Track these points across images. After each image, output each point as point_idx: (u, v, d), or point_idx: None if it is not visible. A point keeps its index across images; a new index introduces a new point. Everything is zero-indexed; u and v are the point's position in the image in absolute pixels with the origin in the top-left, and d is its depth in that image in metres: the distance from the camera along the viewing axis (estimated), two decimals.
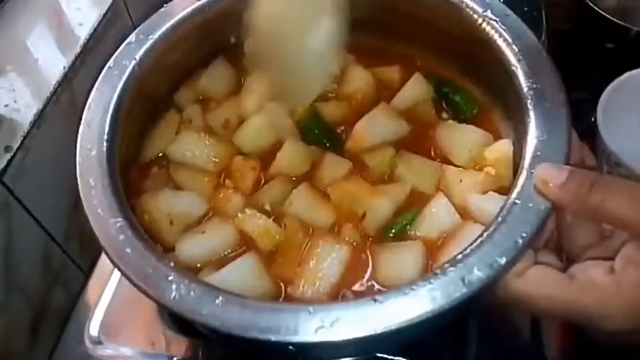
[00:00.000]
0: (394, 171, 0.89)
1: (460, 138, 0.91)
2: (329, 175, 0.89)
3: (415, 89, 0.97)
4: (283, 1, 0.80)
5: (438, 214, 0.83)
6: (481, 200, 0.82)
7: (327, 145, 0.93)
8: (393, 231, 0.84)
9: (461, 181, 0.85)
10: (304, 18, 0.79)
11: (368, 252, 0.83)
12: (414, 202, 0.86)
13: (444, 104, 0.99)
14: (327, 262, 0.81)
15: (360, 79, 1.00)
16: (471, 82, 0.99)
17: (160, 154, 0.94)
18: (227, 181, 0.90)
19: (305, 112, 0.94)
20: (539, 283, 0.67)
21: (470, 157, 0.88)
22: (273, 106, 0.93)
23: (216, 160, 0.91)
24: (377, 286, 0.80)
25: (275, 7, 0.79)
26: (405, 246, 0.82)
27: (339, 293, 0.79)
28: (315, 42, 0.78)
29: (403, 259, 0.80)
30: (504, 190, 0.77)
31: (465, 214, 0.83)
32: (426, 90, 0.98)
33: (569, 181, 0.67)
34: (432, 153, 0.92)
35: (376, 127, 0.93)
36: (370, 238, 0.84)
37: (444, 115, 0.98)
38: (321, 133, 0.94)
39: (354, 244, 0.83)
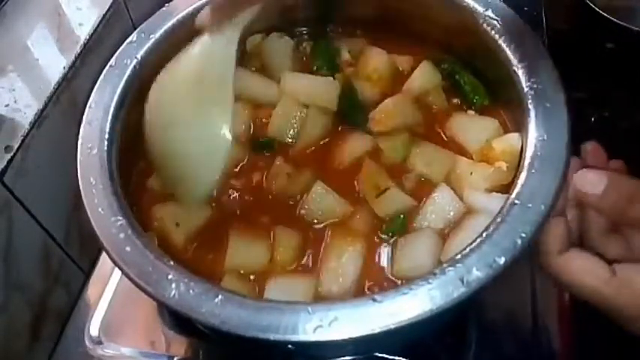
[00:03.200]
0: (408, 156, 0.90)
1: (476, 126, 0.92)
2: (351, 150, 0.92)
3: (424, 76, 0.98)
4: (175, 89, 0.79)
5: (441, 204, 0.84)
6: (483, 199, 0.82)
7: (355, 122, 0.95)
8: (393, 229, 0.85)
9: (471, 173, 0.86)
10: (197, 104, 0.77)
11: (382, 245, 0.84)
12: (423, 190, 0.87)
13: (455, 92, 1.00)
14: (346, 257, 0.82)
15: (376, 59, 1.01)
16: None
17: None
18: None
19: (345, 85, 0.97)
20: (580, 270, 0.67)
21: (484, 146, 0.89)
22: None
23: (230, 157, 0.91)
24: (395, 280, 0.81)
25: (167, 94, 0.79)
26: (417, 236, 0.82)
27: (364, 288, 0.80)
28: (207, 129, 0.77)
29: (417, 250, 0.81)
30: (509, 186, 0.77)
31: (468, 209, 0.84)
32: (435, 77, 0.99)
33: (608, 192, 0.67)
34: (445, 139, 0.94)
35: (397, 111, 0.94)
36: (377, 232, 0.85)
37: (455, 103, 0.99)
38: (355, 110, 0.96)
39: (367, 235, 0.84)
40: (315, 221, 0.86)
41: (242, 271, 0.82)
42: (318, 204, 0.86)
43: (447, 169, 0.88)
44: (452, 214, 0.83)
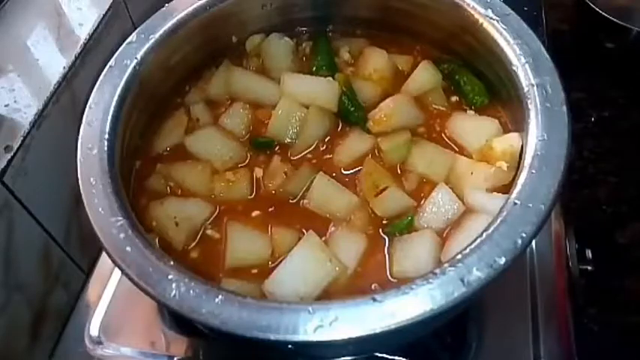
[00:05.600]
0: (408, 156, 0.90)
1: (477, 126, 0.92)
2: (351, 150, 0.93)
3: (424, 76, 0.98)
4: None
5: (441, 204, 0.84)
6: (484, 199, 0.82)
7: (355, 122, 0.96)
8: (398, 229, 0.85)
9: (472, 173, 0.86)
10: None
11: (383, 246, 0.84)
12: (424, 190, 0.87)
13: (455, 92, 1.00)
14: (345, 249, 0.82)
15: (376, 59, 1.01)
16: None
17: (165, 151, 0.95)
18: (228, 173, 0.91)
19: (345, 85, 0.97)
20: None
21: (484, 146, 0.89)
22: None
23: (230, 157, 0.93)
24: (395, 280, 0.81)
25: None
26: (417, 237, 0.82)
27: (363, 286, 0.80)
28: None
29: (417, 250, 0.81)
30: (509, 186, 0.77)
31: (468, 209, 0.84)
32: (435, 77, 0.99)
33: None
34: (445, 139, 0.94)
35: (398, 111, 0.94)
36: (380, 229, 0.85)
37: (455, 103, 0.99)
38: (355, 110, 0.96)
39: (368, 233, 0.85)
40: (319, 212, 0.87)
41: (242, 266, 0.82)
42: (322, 194, 0.87)
43: (447, 169, 0.88)
44: (451, 214, 0.83)
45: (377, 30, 1.06)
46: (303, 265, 0.78)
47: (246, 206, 0.89)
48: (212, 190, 0.90)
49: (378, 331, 0.63)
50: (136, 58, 0.89)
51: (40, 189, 0.93)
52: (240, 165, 0.93)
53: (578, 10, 1.28)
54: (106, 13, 1.08)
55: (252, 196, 0.90)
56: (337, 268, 0.78)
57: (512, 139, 0.85)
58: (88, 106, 0.84)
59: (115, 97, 0.85)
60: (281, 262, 0.80)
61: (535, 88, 0.80)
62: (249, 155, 0.94)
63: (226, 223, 0.87)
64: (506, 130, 0.90)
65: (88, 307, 1.01)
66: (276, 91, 0.97)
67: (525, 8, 1.10)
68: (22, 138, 0.89)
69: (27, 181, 0.90)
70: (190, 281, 0.67)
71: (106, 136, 0.81)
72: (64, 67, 0.98)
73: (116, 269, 0.72)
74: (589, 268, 0.96)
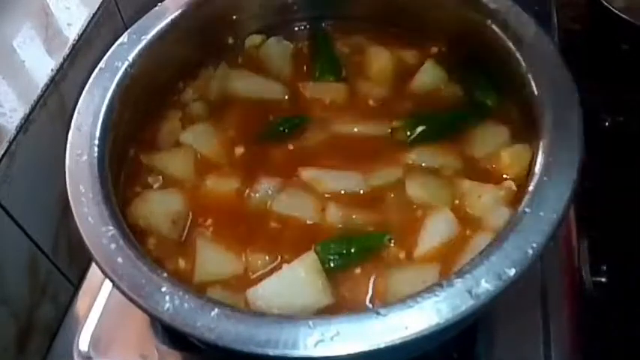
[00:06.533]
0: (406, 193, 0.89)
1: (486, 132, 0.92)
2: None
3: (429, 75, 0.99)
4: None
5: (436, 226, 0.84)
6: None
7: None
8: None
9: (479, 197, 0.85)
10: None
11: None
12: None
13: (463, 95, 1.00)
14: None
15: (380, 60, 1.03)
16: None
17: (159, 154, 0.95)
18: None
19: None
20: None
21: (491, 154, 0.89)
22: None
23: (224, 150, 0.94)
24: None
25: None
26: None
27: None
28: None
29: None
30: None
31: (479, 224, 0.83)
32: (440, 76, 0.99)
33: None
34: (451, 141, 0.93)
35: None
36: None
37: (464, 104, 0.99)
38: None
39: None
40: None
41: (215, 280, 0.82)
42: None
43: (451, 199, 0.87)
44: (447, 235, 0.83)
45: (380, 29, 1.06)
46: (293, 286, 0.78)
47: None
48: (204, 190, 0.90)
49: (382, 346, 0.63)
50: (127, 59, 0.90)
51: (26, 197, 0.93)
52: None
53: (592, 9, 1.28)
54: (96, 12, 1.08)
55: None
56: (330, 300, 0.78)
57: (522, 151, 0.85)
58: (77, 110, 0.85)
59: (106, 101, 0.86)
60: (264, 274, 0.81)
61: (546, 91, 0.81)
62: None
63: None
64: (516, 136, 0.90)
65: (77, 320, 1.01)
66: (275, 88, 0.99)
67: (536, 7, 1.11)
68: (7, 143, 0.89)
69: (13, 188, 0.90)
70: (184, 294, 0.67)
71: (96, 141, 0.82)
72: (52, 70, 0.98)
73: (106, 281, 0.72)
74: (603, 280, 0.96)
